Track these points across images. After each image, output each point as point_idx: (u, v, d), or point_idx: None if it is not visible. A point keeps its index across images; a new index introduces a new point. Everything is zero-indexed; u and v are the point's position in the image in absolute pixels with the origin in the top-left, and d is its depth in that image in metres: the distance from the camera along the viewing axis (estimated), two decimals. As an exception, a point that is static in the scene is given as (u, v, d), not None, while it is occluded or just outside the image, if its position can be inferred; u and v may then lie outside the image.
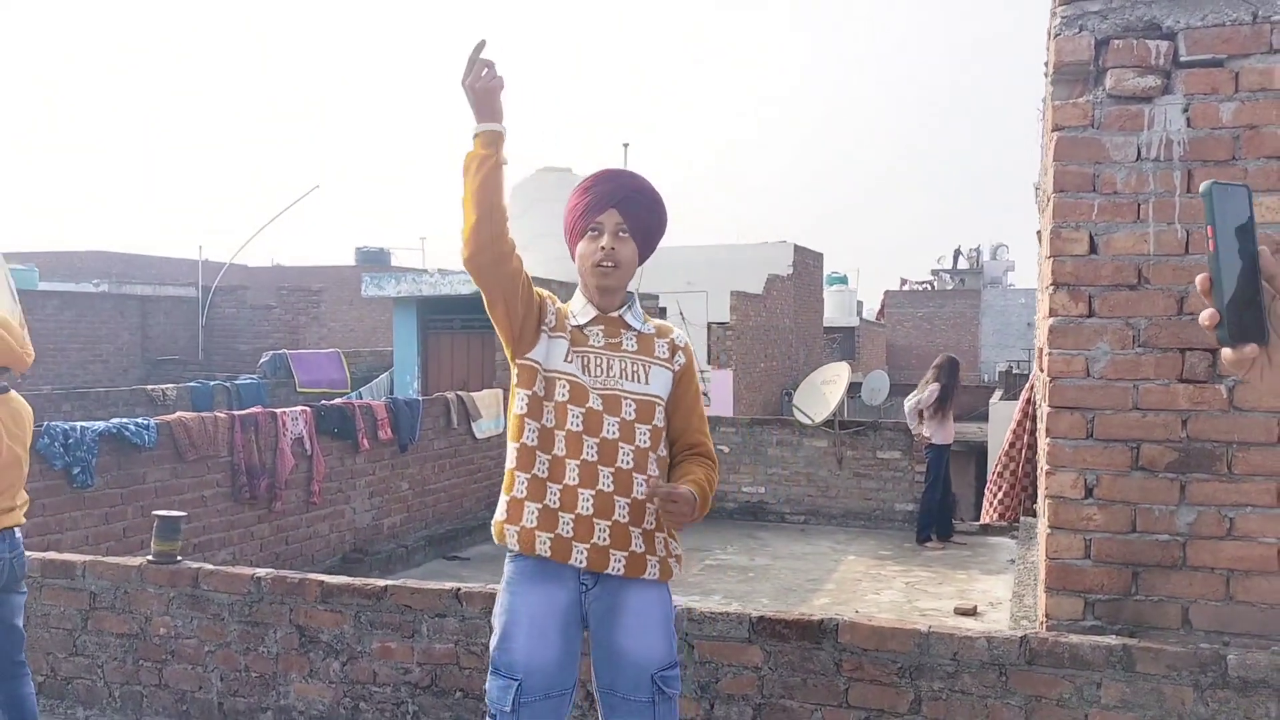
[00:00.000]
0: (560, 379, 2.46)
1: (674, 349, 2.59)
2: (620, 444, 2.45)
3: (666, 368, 2.56)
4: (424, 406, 9.22)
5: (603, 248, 2.48)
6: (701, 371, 18.31)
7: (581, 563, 2.40)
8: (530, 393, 2.47)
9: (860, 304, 41.84)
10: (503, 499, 2.51)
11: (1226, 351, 1.12)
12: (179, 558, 4.31)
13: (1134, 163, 3.36)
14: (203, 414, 7.13)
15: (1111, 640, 3.19)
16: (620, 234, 2.49)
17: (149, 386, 11.82)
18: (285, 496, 7.56)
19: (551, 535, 2.40)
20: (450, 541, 9.29)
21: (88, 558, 4.41)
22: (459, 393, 9.91)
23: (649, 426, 2.49)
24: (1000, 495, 11.00)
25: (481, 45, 2.28)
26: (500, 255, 2.35)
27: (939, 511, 10.00)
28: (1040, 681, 3.22)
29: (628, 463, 2.44)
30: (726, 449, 11.16)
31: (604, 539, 2.40)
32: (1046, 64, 4.02)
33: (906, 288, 47.81)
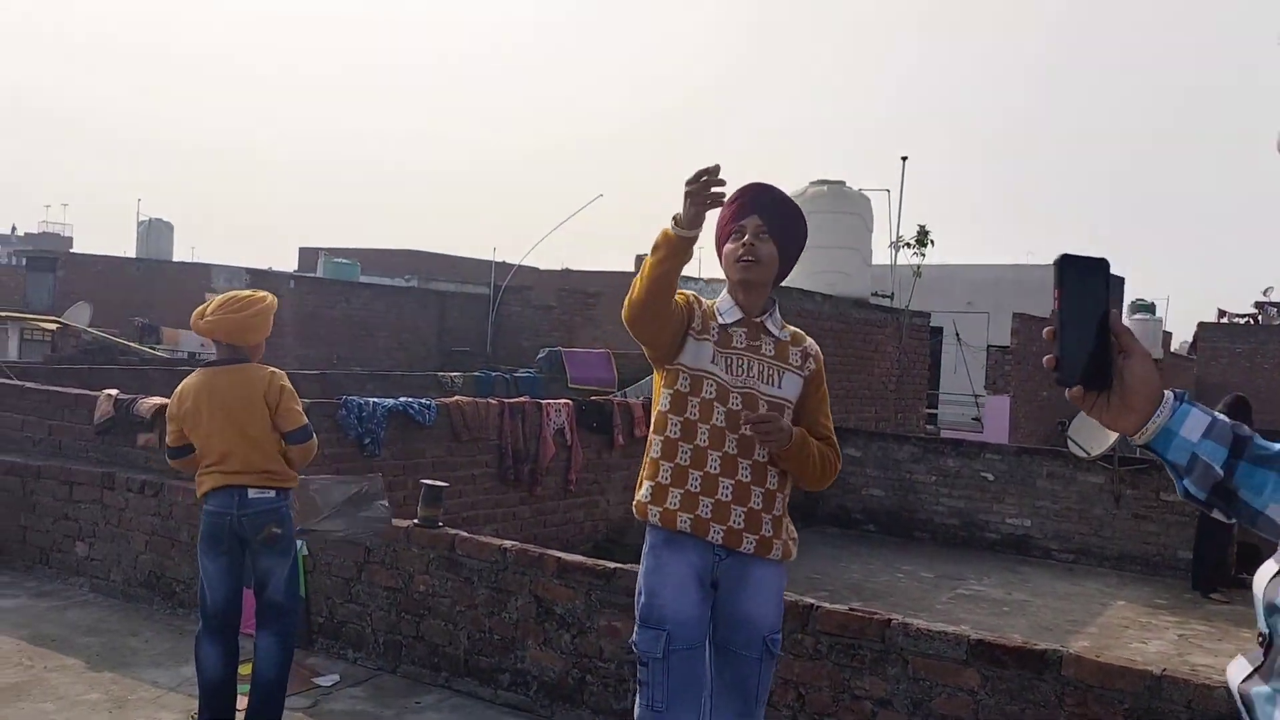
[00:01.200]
0: (707, 378, 2.75)
1: (806, 356, 2.85)
2: (756, 440, 2.72)
3: (798, 373, 2.82)
4: (682, 408, 9.49)
5: (744, 244, 2.75)
6: (976, 396, 17.63)
7: (718, 540, 2.70)
8: (673, 390, 2.80)
9: (1168, 335, 38.59)
10: (646, 483, 2.80)
11: (1070, 392, 1.33)
12: (440, 523, 4.74)
13: None
14: (477, 399, 7.73)
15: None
16: (761, 235, 2.75)
17: (439, 373, 12.90)
18: (545, 482, 8.05)
19: (692, 516, 2.71)
20: (698, 542, 9.50)
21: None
22: (717, 398, 10.12)
23: None
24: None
25: (716, 169, 2.50)
26: (652, 334, 2.69)
27: (1219, 560, 9.14)
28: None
29: (763, 456, 2.73)
30: (991, 476, 10.70)
31: (739, 523, 2.71)
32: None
33: (1225, 320, 43.49)
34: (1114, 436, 10.32)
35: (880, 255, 14.06)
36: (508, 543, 4.49)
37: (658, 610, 2.73)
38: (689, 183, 2.51)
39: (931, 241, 13.57)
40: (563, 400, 8.37)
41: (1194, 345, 40.51)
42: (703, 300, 2.88)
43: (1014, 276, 19.60)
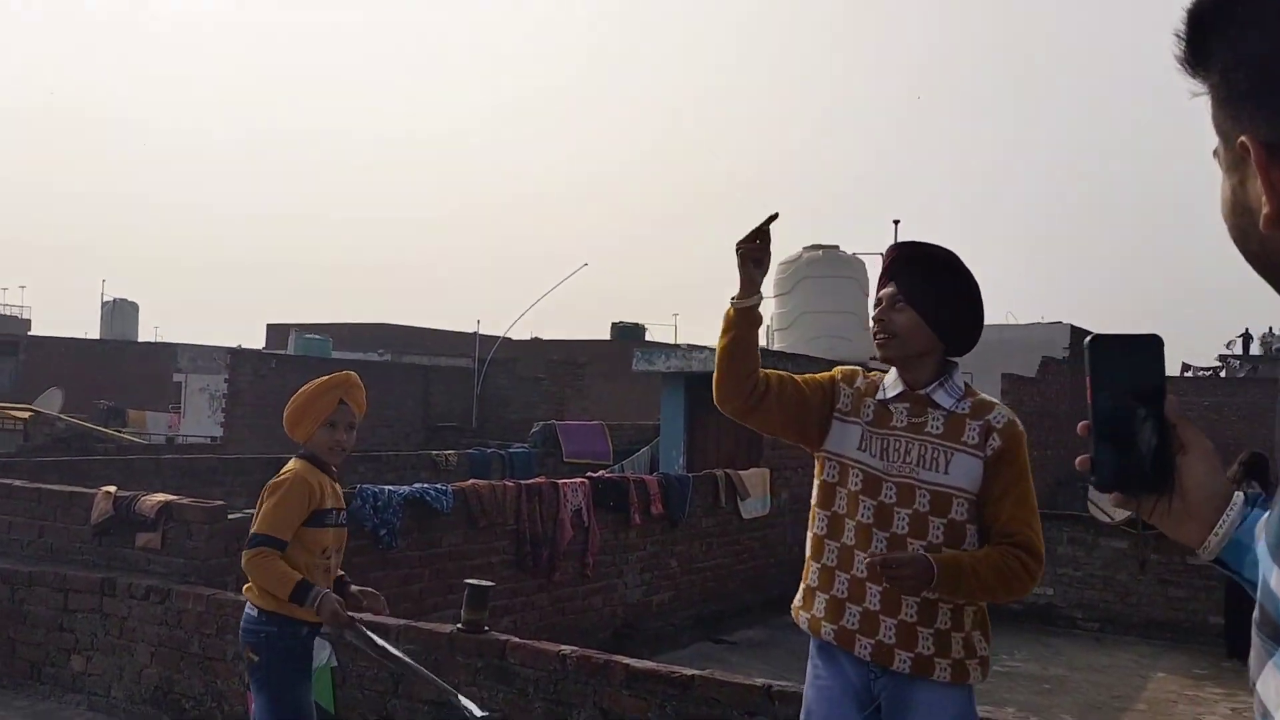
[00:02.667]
0: (854, 467, 2.45)
1: (988, 431, 2.42)
2: (910, 539, 2.38)
3: (974, 454, 2.40)
4: (693, 483, 9.15)
5: (876, 319, 2.50)
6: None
7: (865, 655, 2.39)
8: (822, 480, 2.55)
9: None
10: (800, 585, 2.59)
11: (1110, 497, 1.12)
12: (486, 627, 4.34)
13: None
14: (492, 482, 7.35)
15: None
16: (897, 304, 2.46)
17: (433, 452, 12.48)
18: (563, 567, 7.64)
19: (836, 627, 2.42)
20: (716, 623, 9.09)
21: (402, 621, 4.53)
22: (727, 471, 9.79)
23: (944, 520, 2.39)
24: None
25: (773, 218, 2.32)
26: (745, 408, 2.44)
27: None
28: None
29: None
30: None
31: (890, 637, 2.37)
32: None
33: (1190, 374, 44.01)
34: (1137, 499, 10.08)
35: (878, 319, 13.90)
36: (567, 649, 4.10)
37: None
38: (740, 244, 2.32)
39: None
40: (579, 479, 8.00)
41: (1162, 400, 40.81)
42: (863, 375, 2.60)
43: (998, 336, 19.54)
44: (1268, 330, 46.49)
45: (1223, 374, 43.05)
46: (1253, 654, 0.88)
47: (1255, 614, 0.89)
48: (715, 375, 2.44)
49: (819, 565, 2.51)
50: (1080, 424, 1.15)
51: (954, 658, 2.39)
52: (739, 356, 2.39)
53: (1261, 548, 0.90)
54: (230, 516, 5.48)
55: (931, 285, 2.47)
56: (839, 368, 2.66)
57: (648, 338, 30.16)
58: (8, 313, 44.89)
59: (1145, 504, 1.14)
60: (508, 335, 20.64)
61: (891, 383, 2.53)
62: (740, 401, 2.43)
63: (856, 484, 2.45)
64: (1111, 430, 1.12)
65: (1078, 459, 1.15)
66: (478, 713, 3.38)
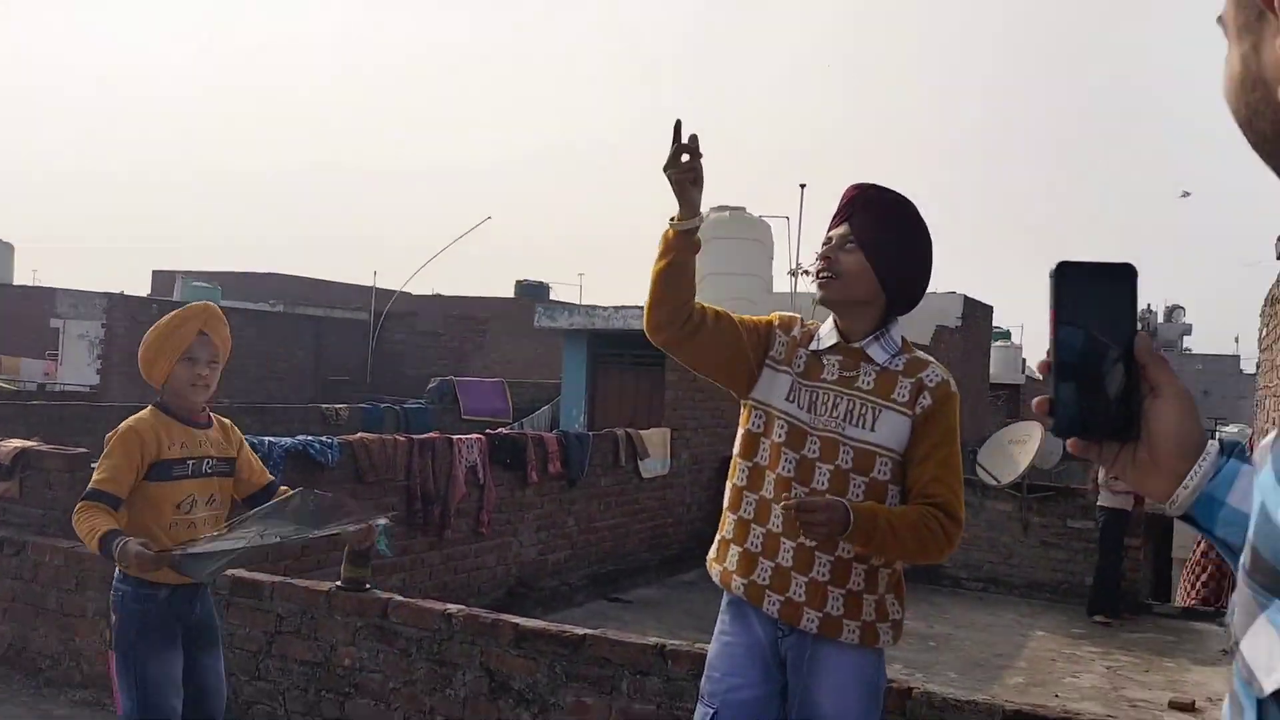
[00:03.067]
0: (780, 418, 2.34)
1: (919, 390, 2.30)
2: (828, 496, 2.25)
3: (902, 413, 2.28)
4: (593, 442, 9.02)
5: (821, 257, 2.34)
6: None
7: (774, 613, 2.30)
8: (745, 430, 2.40)
9: (1024, 361, 40.14)
10: (716, 537, 2.47)
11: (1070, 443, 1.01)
12: (368, 585, 4.13)
13: None
14: (383, 436, 7.08)
15: None
16: (847, 245, 2.31)
17: (323, 405, 12.07)
18: (455, 525, 7.44)
19: (746, 581, 2.32)
20: (612, 582, 9.02)
21: (276, 578, 4.30)
22: (628, 430, 9.68)
23: (866, 479, 2.28)
24: (1204, 577, 10.06)
25: (678, 128, 2.14)
26: (678, 338, 2.29)
27: (1111, 585, 9.22)
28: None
29: None
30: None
31: (800, 594, 2.28)
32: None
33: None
34: (1025, 464, 10.34)
35: (781, 283, 13.92)
36: (453, 607, 3.93)
37: (710, 684, 2.40)
38: (668, 169, 2.14)
39: (831, 269, 13.44)
40: (475, 435, 7.78)
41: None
42: (801, 323, 2.45)
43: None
44: (1146, 306, 48.52)
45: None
46: (1238, 608, 0.76)
47: (1244, 560, 0.76)
48: (648, 300, 2.28)
49: (735, 517, 2.39)
50: (1039, 361, 1.03)
51: (864, 620, 2.29)
52: (676, 282, 2.23)
53: (1264, 477, 0.77)
54: (94, 465, 5.12)
55: (886, 232, 2.32)
56: (777, 313, 2.49)
57: (552, 297, 29.85)
58: None
59: (1107, 452, 1.03)
60: (406, 289, 20.13)
61: (827, 333, 2.39)
62: (674, 331, 2.28)
63: (781, 436, 2.32)
64: (1074, 369, 1.00)
65: (1035, 400, 1.03)
66: (380, 521, 3.11)
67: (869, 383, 2.31)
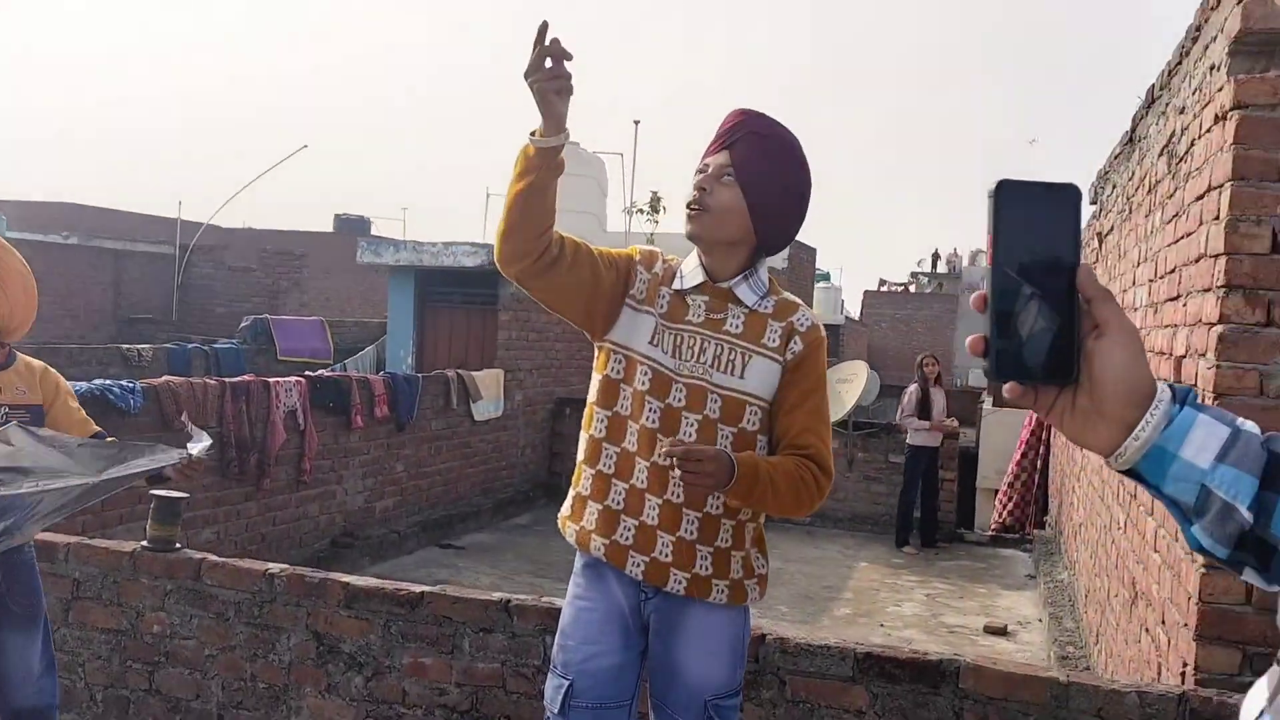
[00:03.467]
0: (643, 363, 2.14)
1: (790, 334, 2.15)
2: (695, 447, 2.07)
3: (773, 358, 2.14)
4: (423, 384, 8.67)
5: (696, 187, 2.12)
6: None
7: (638, 575, 2.14)
8: (603, 376, 2.20)
9: (843, 303, 41.67)
10: (570, 492, 2.28)
11: (1005, 389, 0.90)
12: (178, 545, 3.76)
13: (1332, 151, 2.90)
14: (191, 379, 6.54)
15: (1290, 704, 2.74)
16: (724, 177, 2.10)
17: (124, 346, 11.17)
18: (274, 473, 7.00)
19: (607, 541, 2.15)
20: (444, 528, 8.76)
21: (71, 539, 3.86)
22: (459, 371, 9.36)
23: (734, 429, 2.13)
24: (1011, 506, 10.65)
25: (543, 30, 1.85)
26: (533, 269, 2.05)
27: (922, 517, 9.69)
28: (1202, 748, 2.77)
29: None
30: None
31: (666, 554, 2.13)
32: (1194, 33, 3.56)
33: (885, 289, 47.69)
34: (851, 403, 10.63)
35: (615, 222, 13.74)
36: (275, 566, 3.61)
37: (564, 653, 2.21)
38: (529, 75, 1.87)
39: (664, 208, 13.41)
40: (294, 378, 7.32)
41: (861, 313, 44.12)
42: (662, 259, 2.24)
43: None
44: (952, 251, 51.19)
45: (912, 289, 46.99)
46: None
47: None
48: (502, 226, 2.02)
49: (594, 471, 2.19)
50: (974, 295, 0.91)
51: (732, 578, 2.16)
52: (535, 207, 1.97)
53: None
54: None
55: (769, 170, 2.11)
56: (636, 247, 2.26)
57: (373, 232, 28.74)
58: None
59: (1044, 399, 0.91)
60: (214, 222, 18.85)
61: (690, 271, 2.19)
62: (530, 262, 2.02)
63: (644, 383, 2.13)
64: (1014, 303, 0.88)
65: (969, 339, 0.90)
66: (194, 450, 2.97)
67: (738, 326, 2.15)
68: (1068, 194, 0.90)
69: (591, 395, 2.23)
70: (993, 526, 10.80)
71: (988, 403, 19.41)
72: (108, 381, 5.92)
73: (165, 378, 6.40)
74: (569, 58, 1.87)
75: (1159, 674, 3.46)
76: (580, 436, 2.26)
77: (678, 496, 2.11)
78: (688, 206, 2.13)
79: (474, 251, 10.22)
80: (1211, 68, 3.27)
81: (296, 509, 7.31)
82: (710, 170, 2.12)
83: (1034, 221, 0.89)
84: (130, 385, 5.96)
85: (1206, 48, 3.38)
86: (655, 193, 13.48)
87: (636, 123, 13.74)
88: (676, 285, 2.19)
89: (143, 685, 3.72)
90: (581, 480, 2.22)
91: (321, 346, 13.39)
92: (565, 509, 2.28)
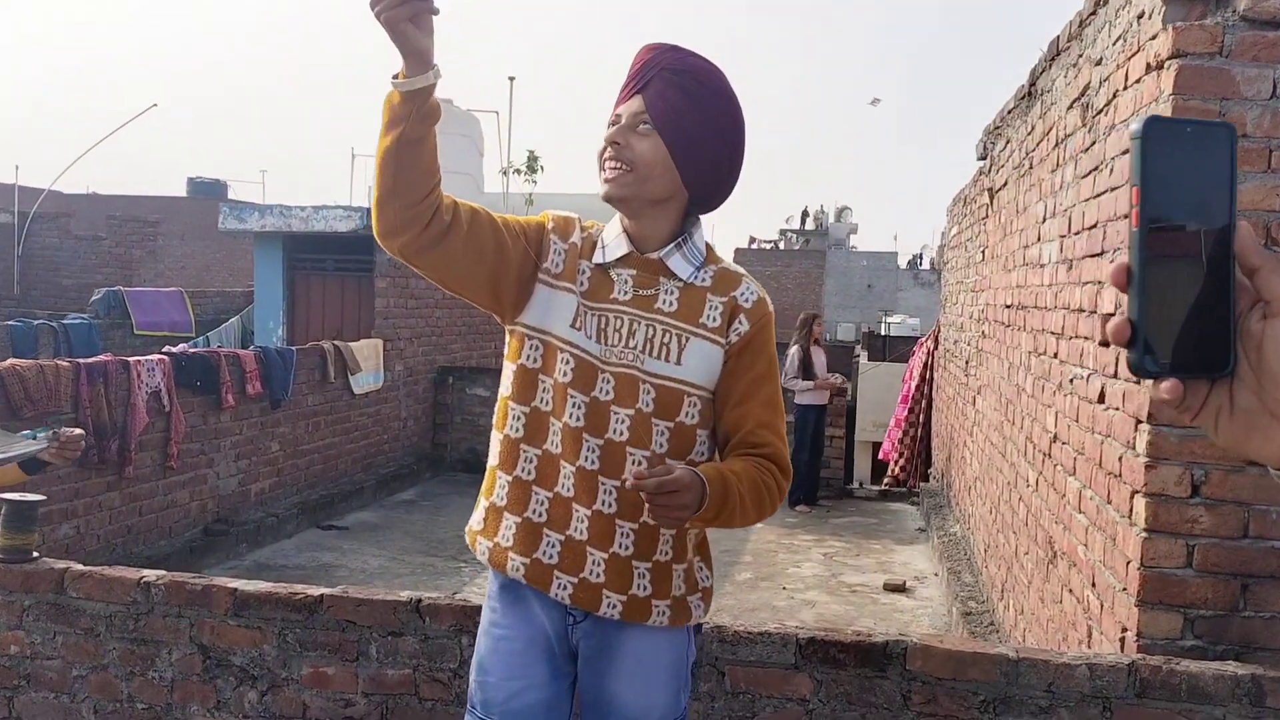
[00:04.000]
0: (564, 350, 1.83)
1: (733, 312, 1.86)
2: (629, 448, 1.81)
3: (714, 340, 1.85)
4: (297, 357, 8.17)
5: (609, 141, 1.81)
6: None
7: (565, 599, 1.85)
8: (518, 366, 1.87)
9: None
10: (480, 502, 1.95)
11: (1154, 386, 0.72)
12: (35, 554, 3.33)
13: (1268, 100, 2.84)
14: (41, 362, 5.94)
15: (1237, 669, 2.70)
16: (640, 126, 1.79)
17: (-42, 325, 10.24)
18: (138, 460, 6.46)
19: (527, 560, 1.85)
20: (325, 509, 8.32)
21: (-96, 554, 3.38)
22: (335, 342, 8.87)
23: (670, 424, 1.83)
24: (902, 461, 10.81)
25: None
26: (420, 242, 1.71)
27: (807, 475, 9.68)
28: (1152, 718, 2.71)
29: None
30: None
31: (598, 574, 1.84)
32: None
33: (755, 246, 48.41)
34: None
35: (493, 183, 13.29)
36: (151, 574, 3.23)
37: (484, 690, 1.93)
38: (374, 5, 1.52)
39: (542, 167, 13.03)
40: (155, 356, 6.75)
41: (734, 269, 44.60)
42: (580, 226, 1.91)
43: (584, 206, 19.78)
44: (819, 208, 52.24)
45: (781, 246, 47.76)
46: None
47: None
48: (376, 193, 1.68)
49: (510, 478, 1.87)
50: (1115, 265, 0.71)
51: (674, 596, 1.88)
52: (411, 164, 1.63)
53: None
54: None
55: (690, 109, 1.79)
56: (550, 213, 1.94)
57: (230, 196, 27.36)
58: None
59: (1192, 397, 0.72)
60: (57, 188, 17.52)
61: (614, 240, 1.87)
62: (414, 233, 1.68)
63: (566, 373, 1.82)
64: (1167, 276, 0.70)
65: (1112, 325, 0.71)
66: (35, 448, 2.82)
67: (671, 303, 1.85)
68: (1222, 135, 0.72)
69: (504, 388, 1.91)
70: (886, 482, 10.95)
71: (862, 358, 19.83)
72: (-59, 367, 5.29)
73: (10, 361, 5.79)
74: None
75: (1089, 636, 3.42)
76: (492, 437, 1.93)
77: (610, 506, 1.81)
78: (602, 164, 1.82)
79: (347, 216, 9.69)
80: (1140, 16, 3.17)
81: (165, 496, 6.78)
82: (623, 120, 1.80)
83: (1184, 171, 0.71)
84: (-33, 371, 5.35)
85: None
86: (532, 152, 13.09)
87: (512, 79, 13.27)
88: (598, 258, 1.87)
89: (1, 713, 3.29)
90: (495, 488, 1.90)
91: (181, 319, 12.60)
92: (475, 521, 1.95)
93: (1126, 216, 0.72)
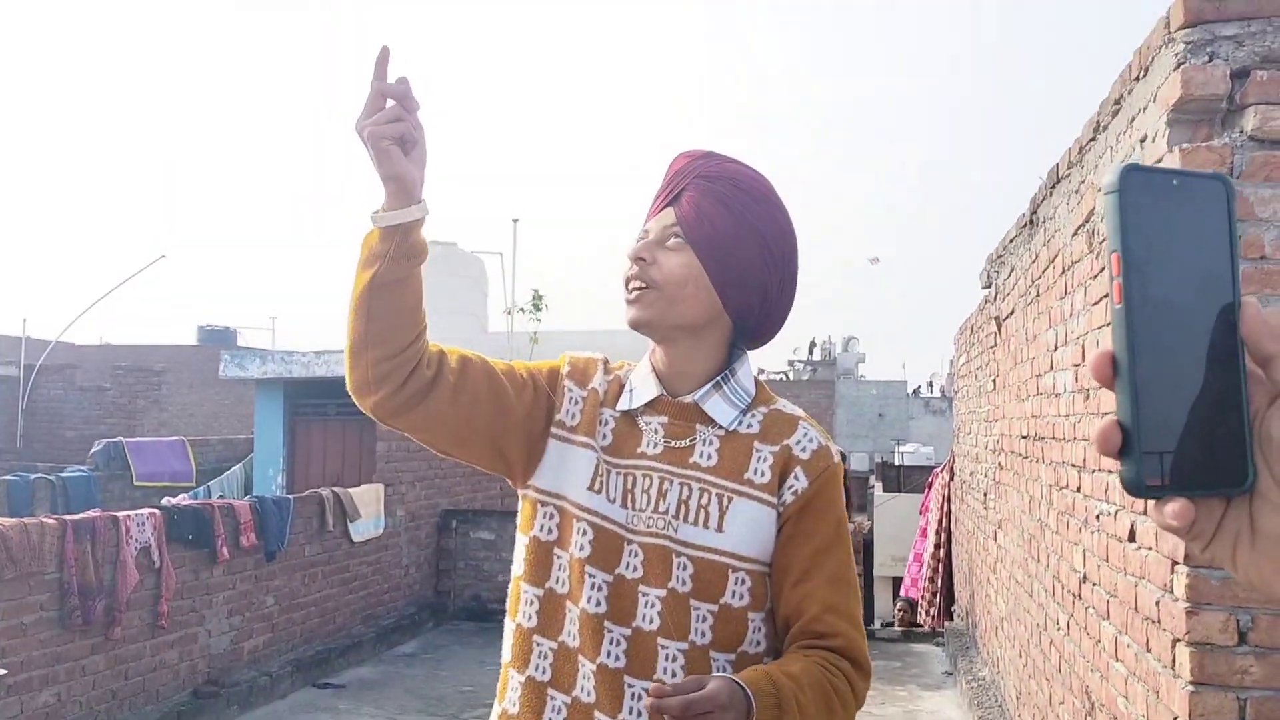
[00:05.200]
0: (582, 518, 1.51)
1: (785, 465, 1.52)
2: (661, 639, 1.46)
3: (763, 500, 1.51)
4: (295, 506, 7.96)
5: (634, 258, 1.54)
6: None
7: None
8: (530, 538, 1.56)
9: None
10: (495, 707, 1.60)
11: (1156, 508, 0.57)
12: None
13: (1285, 222, 2.72)
14: (25, 520, 5.75)
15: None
16: (670, 241, 1.53)
17: (-46, 481, 10.09)
18: (126, 620, 6.19)
19: None
20: (321, 665, 7.97)
21: None
22: (334, 489, 8.68)
23: (714, 608, 1.48)
24: (928, 607, 10.41)
25: (383, 59, 1.34)
26: (399, 402, 1.43)
27: None
28: None
29: (675, 672, 1.45)
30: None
31: None
32: (1114, 105, 3.42)
33: (764, 377, 48.57)
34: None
35: (497, 323, 13.33)
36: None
37: None
38: (359, 120, 1.34)
39: (546, 305, 13.09)
40: (146, 510, 6.56)
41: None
42: (604, 369, 1.64)
43: (608, 343, 19.89)
44: (826, 338, 52.64)
45: (790, 377, 47.88)
46: None
47: None
48: (347, 342, 1.43)
49: (522, 678, 1.53)
50: (1096, 354, 0.57)
51: None
52: (386, 309, 1.38)
53: None
54: None
55: (728, 220, 1.52)
56: (569, 355, 1.67)
57: (240, 343, 27.58)
58: None
59: (1203, 520, 0.57)
60: (65, 339, 17.65)
61: (642, 381, 1.59)
62: (389, 389, 1.42)
63: (584, 546, 1.50)
64: (1161, 367, 0.56)
65: (1099, 431, 0.57)
66: None
67: (710, 455, 1.53)
68: (1216, 190, 0.58)
69: (516, 565, 1.59)
70: (925, 623, 10.52)
71: (877, 488, 19.51)
72: (-81, 529, 5.11)
73: (-8, 520, 5.60)
74: (413, 102, 1.35)
75: (1139, 800, 3.11)
76: (505, 625, 1.61)
77: (638, 714, 1.45)
78: (627, 287, 1.55)
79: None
80: (1142, 139, 3.09)
81: (152, 658, 6.48)
82: (651, 235, 1.55)
83: (1174, 234, 0.57)
84: (-53, 532, 5.17)
85: (1133, 120, 3.22)
86: (536, 290, 13.17)
87: (515, 220, 13.48)
88: (623, 404, 1.58)
89: None
90: (507, 691, 1.57)
91: (183, 468, 12.45)
92: None
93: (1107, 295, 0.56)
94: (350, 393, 1.48)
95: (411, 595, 9.72)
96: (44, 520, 5.86)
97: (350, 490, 8.85)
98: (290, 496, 8.14)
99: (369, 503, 9.01)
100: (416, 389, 1.43)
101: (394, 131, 1.33)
